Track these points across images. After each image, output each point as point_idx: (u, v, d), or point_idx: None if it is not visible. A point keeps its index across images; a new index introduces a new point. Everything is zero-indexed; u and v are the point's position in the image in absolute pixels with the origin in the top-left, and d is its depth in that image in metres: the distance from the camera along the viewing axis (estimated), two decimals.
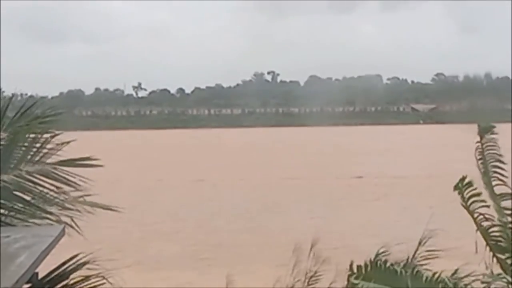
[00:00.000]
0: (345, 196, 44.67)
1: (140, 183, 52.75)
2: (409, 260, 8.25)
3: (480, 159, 7.67)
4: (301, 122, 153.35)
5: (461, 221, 7.19)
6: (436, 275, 6.48)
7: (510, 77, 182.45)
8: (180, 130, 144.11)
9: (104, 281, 7.07)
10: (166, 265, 25.24)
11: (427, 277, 6.38)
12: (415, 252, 8.72)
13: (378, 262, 6.46)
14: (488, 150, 7.69)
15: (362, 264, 6.19)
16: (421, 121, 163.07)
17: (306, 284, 8.74)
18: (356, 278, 6.26)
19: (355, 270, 6.26)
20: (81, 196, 7.86)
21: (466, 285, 6.53)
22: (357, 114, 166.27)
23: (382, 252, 8.62)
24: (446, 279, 6.46)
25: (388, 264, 6.36)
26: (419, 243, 9.39)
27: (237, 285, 11.06)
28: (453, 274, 7.88)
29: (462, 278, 7.92)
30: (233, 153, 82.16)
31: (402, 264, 6.90)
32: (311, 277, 8.80)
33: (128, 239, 29.91)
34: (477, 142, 7.68)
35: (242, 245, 28.74)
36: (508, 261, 7.21)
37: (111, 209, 8.19)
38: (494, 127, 7.76)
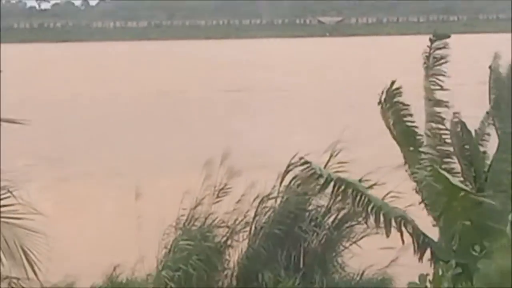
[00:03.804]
0: (219, 109, 45.35)
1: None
2: None
3: (424, 63, 8.49)
4: (205, 35, 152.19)
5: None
6: None
7: None
8: (80, 43, 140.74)
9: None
10: None
11: None
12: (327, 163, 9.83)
13: None
14: (434, 55, 8.53)
15: None
16: (327, 34, 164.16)
17: None
18: None
19: None
20: None
21: None
22: (263, 27, 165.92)
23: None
24: None
25: None
26: (331, 155, 10.36)
27: None
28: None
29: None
30: (111, 67, 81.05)
31: None
32: None
33: None
34: (428, 46, 8.62)
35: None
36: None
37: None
38: (449, 36, 8.56)
